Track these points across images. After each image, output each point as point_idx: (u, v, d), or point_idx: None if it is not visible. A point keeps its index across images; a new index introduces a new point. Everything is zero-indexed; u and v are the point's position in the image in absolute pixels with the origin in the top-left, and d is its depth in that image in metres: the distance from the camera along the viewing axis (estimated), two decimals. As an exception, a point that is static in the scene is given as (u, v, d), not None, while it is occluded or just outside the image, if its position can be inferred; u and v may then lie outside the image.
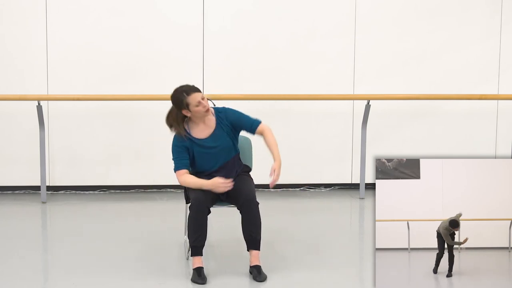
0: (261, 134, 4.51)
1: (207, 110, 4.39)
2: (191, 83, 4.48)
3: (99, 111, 6.80)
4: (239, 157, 4.64)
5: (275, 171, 4.33)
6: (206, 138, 4.46)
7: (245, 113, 4.58)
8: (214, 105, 4.58)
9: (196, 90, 4.37)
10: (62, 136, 6.82)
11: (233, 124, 4.51)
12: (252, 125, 4.52)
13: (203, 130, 4.47)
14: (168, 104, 6.70)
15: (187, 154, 4.43)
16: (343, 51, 7.04)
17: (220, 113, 4.53)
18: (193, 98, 4.33)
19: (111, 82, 6.76)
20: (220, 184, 4.30)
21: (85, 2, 6.75)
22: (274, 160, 4.40)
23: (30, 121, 6.63)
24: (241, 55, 6.95)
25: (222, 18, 6.89)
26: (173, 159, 4.46)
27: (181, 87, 4.42)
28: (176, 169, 4.44)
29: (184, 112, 4.39)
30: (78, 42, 6.74)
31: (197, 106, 4.34)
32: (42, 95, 6.59)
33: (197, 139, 4.45)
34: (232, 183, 4.33)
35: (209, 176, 4.43)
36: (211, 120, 4.49)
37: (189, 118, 4.47)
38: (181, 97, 4.35)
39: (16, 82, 6.69)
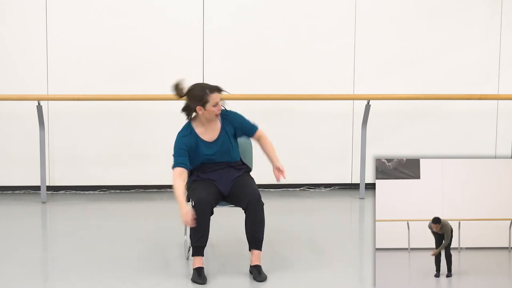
0: (258, 139, 4.59)
1: (218, 115, 4.40)
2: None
3: (99, 111, 6.79)
4: (241, 162, 4.61)
5: (281, 167, 4.40)
6: (210, 142, 4.45)
7: (245, 117, 4.59)
8: (225, 108, 4.50)
9: (218, 90, 4.33)
10: (62, 136, 6.82)
11: (236, 128, 4.52)
12: (251, 130, 4.58)
13: (207, 132, 4.45)
14: (169, 104, 6.78)
15: (188, 152, 4.38)
16: (343, 51, 7.04)
17: (226, 116, 4.49)
18: (214, 98, 4.30)
19: (111, 82, 6.76)
20: (187, 218, 4.10)
21: (85, 2, 6.75)
22: (275, 161, 4.47)
23: (30, 121, 6.63)
24: (241, 55, 6.94)
25: (222, 18, 6.89)
26: (173, 155, 4.42)
27: (204, 83, 4.45)
28: (174, 166, 4.39)
29: (198, 109, 4.33)
30: (78, 42, 6.74)
31: (214, 106, 4.32)
32: (42, 95, 6.59)
33: (203, 140, 4.43)
34: (193, 222, 4.14)
35: (207, 173, 4.45)
36: (217, 124, 4.47)
37: (195, 117, 4.45)
38: (202, 93, 4.29)
39: (16, 82, 6.69)
